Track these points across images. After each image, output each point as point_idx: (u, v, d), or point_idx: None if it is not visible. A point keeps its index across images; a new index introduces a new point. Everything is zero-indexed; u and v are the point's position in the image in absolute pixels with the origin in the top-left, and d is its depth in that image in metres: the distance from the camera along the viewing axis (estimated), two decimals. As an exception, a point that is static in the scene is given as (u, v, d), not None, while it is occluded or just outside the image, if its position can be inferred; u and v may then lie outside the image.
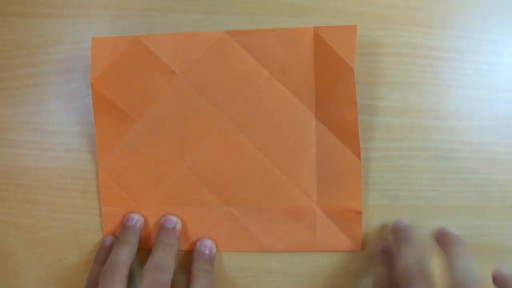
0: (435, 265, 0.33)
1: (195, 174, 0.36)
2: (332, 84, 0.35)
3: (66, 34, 0.37)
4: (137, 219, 0.37)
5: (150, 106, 0.36)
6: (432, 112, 0.36)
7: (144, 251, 0.36)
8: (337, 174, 0.36)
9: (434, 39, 0.36)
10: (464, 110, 0.37)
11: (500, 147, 0.36)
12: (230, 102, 0.36)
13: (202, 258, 0.36)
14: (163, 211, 0.37)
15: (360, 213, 0.36)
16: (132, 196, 0.37)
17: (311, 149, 0.36)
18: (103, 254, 0.36)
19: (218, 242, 0.37)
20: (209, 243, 0.37)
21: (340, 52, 0.34)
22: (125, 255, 0.34)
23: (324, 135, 0.36)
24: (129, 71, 0.36)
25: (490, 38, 0.37)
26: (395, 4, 0.37)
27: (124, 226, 0.36)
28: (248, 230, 0.37)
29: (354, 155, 0.35)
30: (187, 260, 0.37)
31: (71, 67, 0.37)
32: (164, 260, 0.34)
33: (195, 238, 0.37)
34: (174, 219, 0.36)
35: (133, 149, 0.36)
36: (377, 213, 0.37)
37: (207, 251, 0.36)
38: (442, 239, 0.33)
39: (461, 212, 0.37)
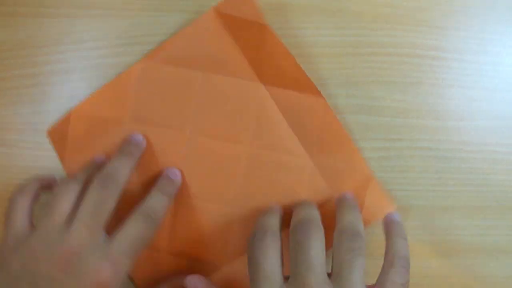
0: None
1: (198, 201, 0.36)
2: (258, 47, 0.35)
3: (66, 34, 0.37)
4: (142, 139, 0.35)
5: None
6: (432, 112, 0.36)
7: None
8: (311, 123, 0.35)
9: (434, 39, 0.36)
10: (464, 110, 0.37)
11: (500, 147, 0.36)
12: (185, 117, 0.36)
13: (165, 181, 0.34)
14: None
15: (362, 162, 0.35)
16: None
17: (277, 114, 0.35)
18: (90, 168, 0.34)
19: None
20: (177, 172, 0.35)
21: (248, 16, 0.35)
22: (127, 168, 0.32)
23: (279, 95, 0.35)
24: (89, 147, 0.36)
25: (490, 38, 0.37)
26: (395, 4, 0.37)
27: (127, 141, 0.35)
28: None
29: (315, 96, 0.35)
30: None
31: (71, 67, 0.37)
32: (156, 208, 0.32)
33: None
34: (177, 172, 0.35)
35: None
36: (377, 213, 0.37)
37: (172, 177, 0.35)
38: (386, 223, 0.33)
39: (461, 212, 0.37)
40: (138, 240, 0.31)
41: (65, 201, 0.31)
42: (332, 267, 0.29)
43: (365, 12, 0.37)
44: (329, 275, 0.29)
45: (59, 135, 0.36)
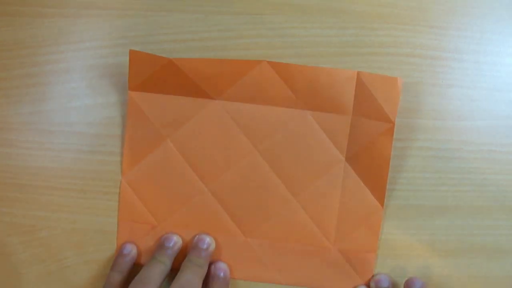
0: None
1: (218, 200, 0.36)
2: (368, 132, 0.35)
3: (67, 34, 0.37)
4: (175, 241, 0.36)
5: (182, 126, 0.36)
6: (432, 112, 0.36)
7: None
8: (358, 219, 0.36)
9: (434, 39, 0.36)
10: (464, 110, 0.37)
11: (500, 147, 0.36)
12: (263, 135, 0.36)
13: (197, 252, 0.35)
14: (181, 233, 0.37)
15: (375, 255, 0.36)
16: (152, 213, 0.37)
17: (336, 192, 0.36)
18: (122, 262, 0.36)
19: (232, 268, 0.37)
20: (207, 239, 0.36)
21: (381, 101, 0.34)
22: (158, 274, 0.34)
23: (351, 179, 0.36)
24: (164, 88, 0.36)
25: (490, 38, 0.37)
26: (395, 4, 0.37)
27: (161, 246, 0.36)
28: (262, 262, 0.37)
29: (378, 203, 0.36)
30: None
31: (71, 67, 0.37)
32: (191, 282, 0.33)
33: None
34: (207, 239, 0.36)
35: (160, 166, 0.36)
36: (377, 213, 0.37)
37: (204, 246, 0.36)
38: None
39: (461, 212, 0.37)
40: None
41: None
42: None
43: (365, 12, 0.37)
44: None
45: (140, 60, 0.35)
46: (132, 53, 0.35)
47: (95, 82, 0.37)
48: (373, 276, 0.36)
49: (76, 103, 0.37)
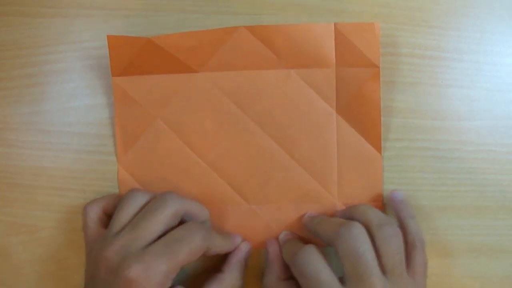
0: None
1: (216, 171, 0.36)
2: (355, 80, 0.35)
3: (66, 34, 0.37)
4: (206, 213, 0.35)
5: (170, 104, 0.36)
6: (431, 112, 0.36)
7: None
8: (358, 170, 0.36)
9: (434, 39, 0.36)
10: (464, 110, 0.37)
11: (500, 147, 0.36)
12: (252, 100, 0.36)
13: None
14: None
15: (381, 204, 0.36)
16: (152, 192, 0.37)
17: (332, 145, 0.36)
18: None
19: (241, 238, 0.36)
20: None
21: (362, 48, 0.34)
22: (205, 239, 0.32)
23: (345, 131, 0.36)
24: (147, 69, 0.36)
25: (490, 38, 0.37)
26: (395, 4, 0.37)
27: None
28: (270, 227, 0.36)
29: (375, 151, 0.36)
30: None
31: (71, 67, 0.37)
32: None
33: None
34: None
35: (154, 147, 0.36)
36: (376, 213, 0.37)
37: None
38: (393, 202, 0.35)
39: (461, 212, 0.36)
40: (177, 242, 0.30)
41: (128, 212, 0.32)
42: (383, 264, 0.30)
43: (365, 12, 0.37)
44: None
45: (119, 44, 0.35)
46: (110, 38, 0.35)
47: (95, 82, 0.37)
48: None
49: (75, 103, 0.37)
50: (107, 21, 0.37)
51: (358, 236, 0.30)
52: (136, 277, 0.28)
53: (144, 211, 0.31)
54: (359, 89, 0.35)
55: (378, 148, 0.36)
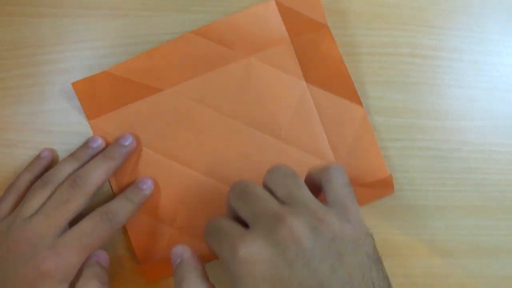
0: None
1: (214, 177, 0.36)
2: (311, 45, 0.35)
3: (66, 34, 0.37)
4: (131, 141, 0.35)
5: (147, 128, 0.36)
6: (432, 112, 0.36)
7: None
8: (346, 127, 0.36)
9: (434, 39, 0.36)
10: (464, 110, 0.37)
11: (500, 147, 0.36)
12: (223, 98, 0.36)
13: (134, 188, 0.35)
14: (192, 222, 0.36)
15: (378, 151, 0.36)
16: (160, 218, 0.36)
17: (313, 115, 0.36)
18: (38, 165, 0.35)
19: None
20: (149, 182, 0.35)
21: (307, 13, 0.35)
22: (102, 171, 0.33)
23: (321, 97, 0.36)
24: (117, 102, 0.36)
25: (490, 38, 0.37)
26: (395, 4, 0.37)
27: (113, 143, 0.35)
28: None
29: (355, 104, 0.36)
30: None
31: (71, 67, 0.37)
32: (117, 211, 0.33)
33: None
34: (149, 182, 0.35)
35: (146, 173, 0.36)
36: (377, 212, 0.37)
37: (141, 186, 0.35)
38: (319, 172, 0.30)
39: (461, 212, 0.37)
40: (89, 236, 0.32)
41: (38, 197, 0.33)
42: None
43: (365, 12, 0.37)
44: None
45: (85, 88, 0.36)
46: (75, 85, 0.36)
47: (95, 82, 0.37)
48: None
49: (76, 103, 0.37)
50: (107, 21, 0.37)
51: (250, 188, 0.29)
52: (49, 268, 0.30)
53: (56, 198, 0.32)
54: (318, 53, 0.35)
55: (357, 101, 0.36)
